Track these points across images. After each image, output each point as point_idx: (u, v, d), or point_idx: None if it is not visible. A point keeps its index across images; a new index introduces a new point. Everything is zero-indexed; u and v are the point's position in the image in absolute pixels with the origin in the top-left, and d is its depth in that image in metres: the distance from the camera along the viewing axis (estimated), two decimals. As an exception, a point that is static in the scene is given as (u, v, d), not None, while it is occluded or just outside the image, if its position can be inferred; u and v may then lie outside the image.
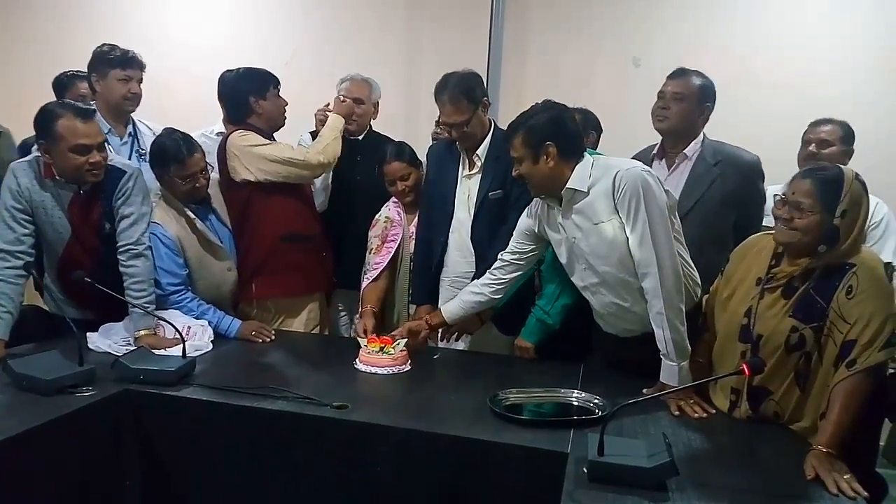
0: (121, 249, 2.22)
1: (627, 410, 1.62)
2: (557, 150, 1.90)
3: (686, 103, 2.37)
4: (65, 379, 1.79)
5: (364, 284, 2.58)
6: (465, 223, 2.42)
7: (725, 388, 1.81)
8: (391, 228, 2.61)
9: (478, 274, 2.35)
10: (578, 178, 1.92)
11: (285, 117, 2.62)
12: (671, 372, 1.83)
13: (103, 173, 2.17)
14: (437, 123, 3.08)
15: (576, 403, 1.85)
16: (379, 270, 2.56)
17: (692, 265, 2.02)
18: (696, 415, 1.78)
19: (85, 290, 2.12)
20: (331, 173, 2.75)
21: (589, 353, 2.25)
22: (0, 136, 2.81)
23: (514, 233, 2.17)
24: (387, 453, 1.68)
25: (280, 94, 2.58)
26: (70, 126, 2.08)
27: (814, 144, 2.65)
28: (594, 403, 1.82)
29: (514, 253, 2.16)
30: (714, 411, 1.81)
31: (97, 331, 2.22)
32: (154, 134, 2.58)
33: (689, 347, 1.86)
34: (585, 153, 1.97)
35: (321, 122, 2.68)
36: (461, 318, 2.27)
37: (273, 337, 2.45)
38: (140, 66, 2.76)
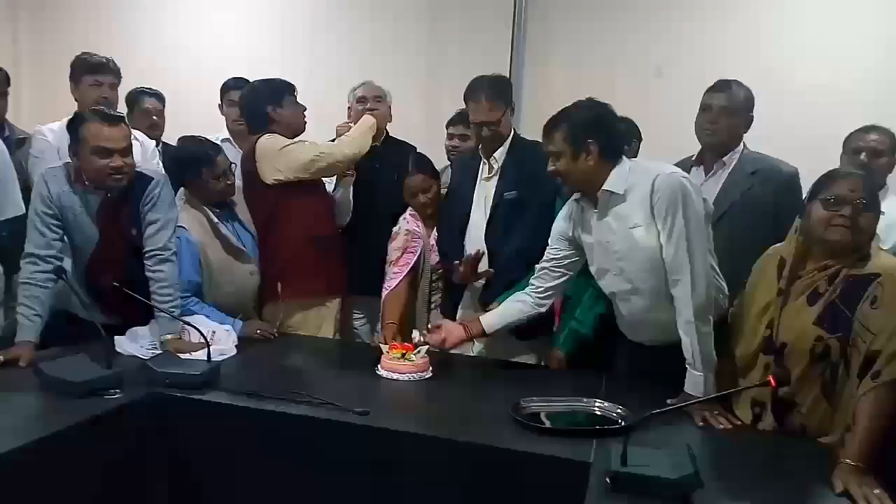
0: (147, 255, 2.25)
1: (651, 421, 1.61)
2: (599, 149, 1.88)
3: (736, 117, 2.37)
4: (93, 382, 1.82)
5: (384, 295, 2.60)
6: (480, 224, 2.43)
7: (749, 401, 1.79)
8: (412, 241, 2.62)
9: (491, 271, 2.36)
10: (616, 180, 1.90)
11: (305, 123, 2.65)
12: (696, 382, 1.82)
13: (128, 179, 2.21)
14: (451, 136, 3.11)
15: (599, 413, 1.84)
16: (397, 280, 2.58)
17: (720, 274, 2.00)
18: (721, 426, 1.76)
19: (112, 295, 2.16)
20: (351, 188, 2.77)
21: (612, 362, 2.24)
22: (24, 143, 2.87)
23: (550, 239, 2.14)
24: (408, 459, 1.68)
25: (297, 100, 2.61)
26: (95, 129, 2.13)
27: (864, 153, 2.54)
28: (617, 413, 1.80)
29: (549, 259, 2.13)
30: (739, 423, 1.79)
31: (124, 334, 2.25)
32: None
33: (716, 359, 1.84)
34: (624, 156, 1.95)
35: (342, 135, 2.71)
36: (502, 329, 2.22)
37: (276, 334, 2.49)
38: (113, 73, 2.86)
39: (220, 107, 3.26)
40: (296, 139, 2.58)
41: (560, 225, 2.11)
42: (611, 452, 1.47)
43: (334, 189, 2.72)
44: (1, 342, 2.17)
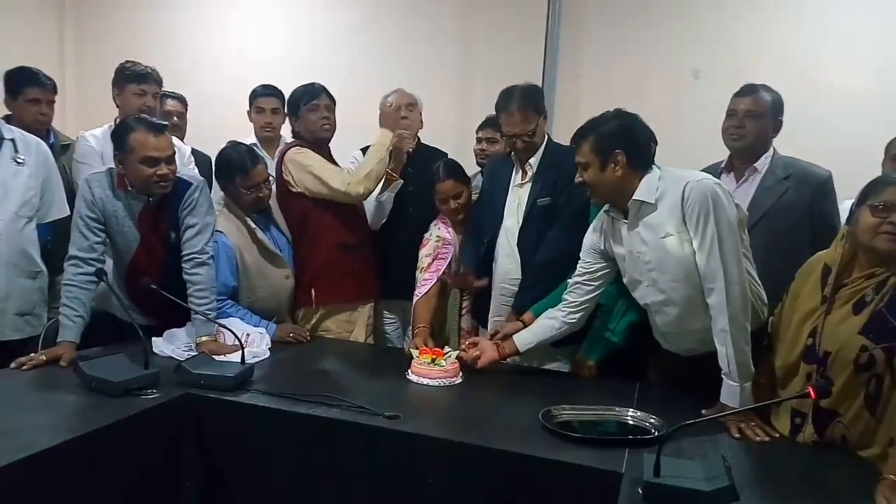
0: (185, 258, 2.30)
1: (685, 431, 1.57)
2: (627, 159, 1.87)
3: (762, 121, 2.33)
4: (131, 381, 1.86)
5: (415, 301, 2.60)
6: (513, 230, 2.42)
7: (789, 411, 1.74)
8: (443, 247, 2.63)
9: (523, 280, 2.35)
10: (646, 189, 1.88)
11: (325, 129, 2.66)
12: (732, 393, 1.77)
13: (171, 185, 2.26)
14: (479, 140, 3.11)
15: (631, 422, 1.81)
16: (428, 287, 2.58)
17: (759, 282, 1.96)
18: (758, 438, 1.72)
19: (150, 297, 2.20)
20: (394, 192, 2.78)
21: (646, 370, 2.21)
22: (69, 150, 2.97)
23: (582, 252, 2.12)
24: (437, 465, 1.68)
25: (315, 107, 2.63)
26: (142, 139, 2.18)
27: None
28: (650, 423, 1.77)
29: (581, 273, 2.11)
30: (777, 435, 1.74)
31: (161, 336, 2.30)
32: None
33: (753, 368, 1.80)
34: (654, 165, 1.93)
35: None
36: (535, 346, 2.19)
37: (308, 338, 2.52)
38: (156, 83, 2.94)
39: (249, 113, 3.31)
40: (318, 161, 2.58)
41: (590, 238, 2.09)
42: (643, 462, 1.45)
43: (381, 190, 2.73)
44: (43, 342, 2.24)
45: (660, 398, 1.95)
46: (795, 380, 1.73)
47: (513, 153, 2.46)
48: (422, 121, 2.94)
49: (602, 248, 2.06)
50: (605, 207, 2.02)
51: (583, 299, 2.11)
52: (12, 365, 2.04)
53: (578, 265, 2.12)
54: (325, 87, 2.69)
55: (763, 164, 2.35)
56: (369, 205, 2.77)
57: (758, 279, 1.95)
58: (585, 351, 2.27)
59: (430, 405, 1.98)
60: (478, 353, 2.20)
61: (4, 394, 1.84)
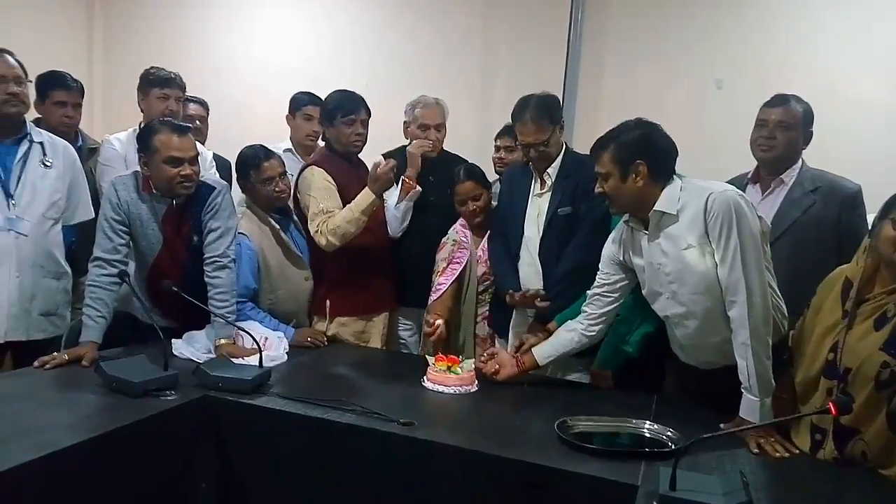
0: (207, 261, 2.33)
1: (703, 445, 1.56)
2: (648, 170, 1.85)
3: (793, 132, 2.31)
4: (150, 382, 1.88)
5: (430, 302, 2.62)
6: (534, 240, 2.42)
7: (809, 427, 1.71)
8: (458, 251, 2.63)
9: (546, 290, 2.34)
10: (667, 200, 1.86)
11: (357, 144, 2.66)
12: (752, 407, 1.75)
13: (195, 186, 2.29)
14: (497, 149, 3.10)
15: (648, 435, 1.79)
16: (442, 291, 2.59)
17: (780, 295, 1.93)
18: (778, 454, 1.69)
19: (171, 299, 2.23)
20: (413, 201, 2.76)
21: (661, 383, 2.18)
22: (96, 153, 3.02)
23: (601, 263, 2.10)
24: (451, 473, 1.68)
25: (352, 122, 2.60)
26: (166, 140, 2.22)
27: None
28: (667, 436, 1.76)
29: (601, 285, 2.09)
30: (797, 451, 1.71)
31: (181, 338, 2.33)
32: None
33: (774, 382, 1.77)
34: (675, 175, 1.91)
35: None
36: (555, 359, 2.18)
37: (325, 343, 2.53)
38: (180, 88, 2.99)
39: (289, 118, 3.30)
40: (318, 192, 2.55)
41: (609, 249, 2.08)
42: (659, 476, 1.43)
43: (398, 201, 2.74)
44: (66, 342, 2.28)
45: (677, 411, 1.93)
46: (816, 395, 1.70)
47: (531, 163, 2.46)
48: (445, 127, 2.93)
49: (621, 259, 2.05)
50: (625, 218, 2.01)
51: (602, 311, 2.09)
52: (35, 364, 2.08)
53: (597, 276, 2.11)
54: (363, 100, 2.66)
55: (790, 176, 2.32)
56: (389, 214, 2.77)
57: (778, 292, 1.93)
58: (600, 361, 2.26)
59: (445, 413, 1.98)
60: (497, 366, 2.19)
61: (27, 392, 1.88)
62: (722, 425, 1.76)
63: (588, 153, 2.43)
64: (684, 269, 1.85)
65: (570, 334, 2.13)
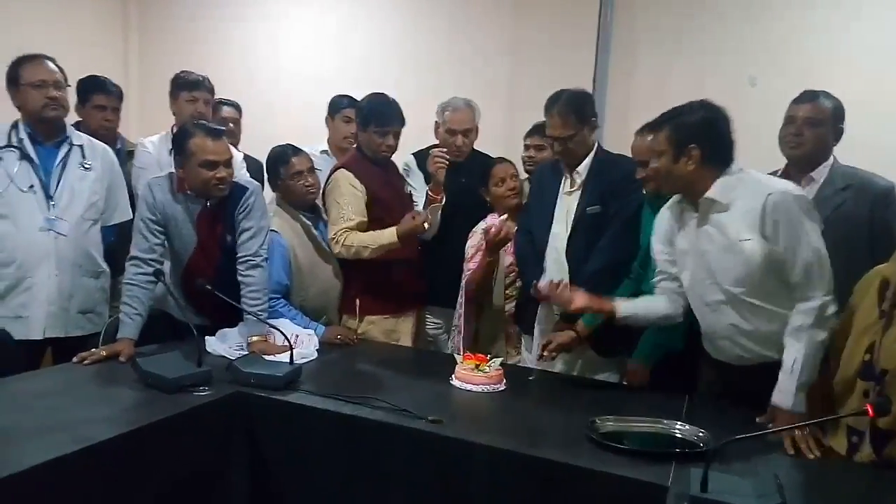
0: (240, 260, 2.37)
1: (735, 447, 1.52)
2: (701, 155, 1.81)
3: (822, 128, 2.26)
4: (185, 378, 1.92)
5: (462, 285, 2.66)
6: (562, 238, 2.40)
7: (846, 429, 1.67)
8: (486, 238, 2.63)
9: (572, 286, 2.32)
10: (721, 189, 1.82)
11: (385, 154, 2.67)
12: (787, 391, 1.71)
13: (229, 188, 2.34)
14: (527, 147, 3.10)
15: (678, 436, 1.77)
16: (472, 274, 2.62)
17: None
18: (812, 456, 1.65)
19: (204, 297, 2.28)
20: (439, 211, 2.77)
21: (694, 383, 2.15)
22: (133, 154, 3.10)
23: (655, 242, 2.05)
24: (479, 471, 1.68)
25: (385, 133, 2.61)
26: (201, 143, 2.27)
27: None
28: (698, 437, 1.73)
29: (663, 262, 2.03)
30: (831, 450, 1.67)
31: (214, 335, 2.37)
32: None
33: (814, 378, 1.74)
34: (734, 164, 1.87)
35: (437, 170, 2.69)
36: (632, 318, 2.06)
37: (355, 340, 2.55)
38: (207, 90, 3.04)
39: (327, 120, 3.31)
40: (342, 199, 2.58)
41: (664, 226, 2.02)
42: (690, 477, 1.41)
43: (424, 205, 2.75)
44: (104, 338, 2.34)
45: (709, 412, 1.90)
46: (852, 397, 1.66)
47: (559, 160, 2.44)
48: (477, 129, 2.93)
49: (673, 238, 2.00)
50: (678, 198, 1.97)
51: (674, 286, 2.02)
52: (74, 360, 2.14)
53: (657, 258, 2.05)
54: (399, 110, 2.65)
55: (821, 173, 2.27)
56: None
57: None
58: (641, 354, 2.19)
59: (473, 411, 1.98)
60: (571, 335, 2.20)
61: (67, 387, 1.93)
62: (758, 419, 1.73)
63: (619, 153, 2.43)
64: (733, 260, 1.82)
65: (657, 304, 2.05)
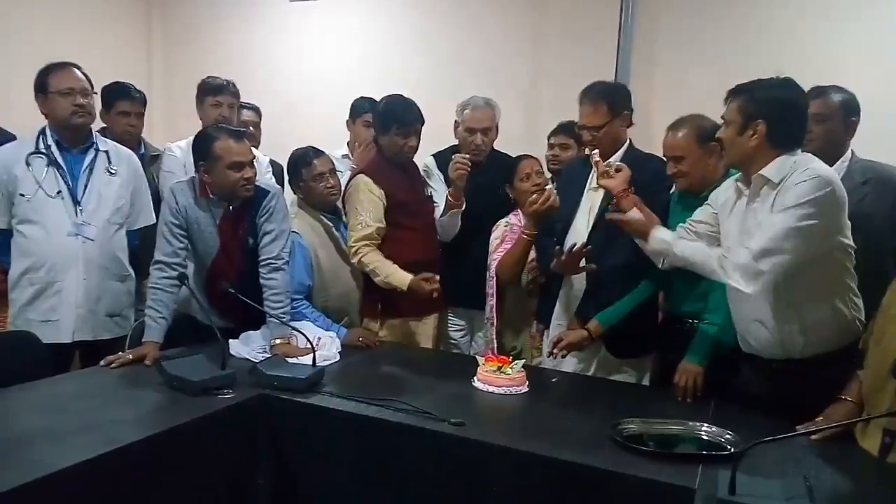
0: (262, 263, 2.39)
1: (764, 449, 1.49)
2: (766, 132, 1.79)
3: (830, 123, 2.22)
4: (209, 381, 1.94)
5: (492, 268, 2.63)
6: (582, 233, 2.37)
7: (878, 430, 1.63)
8: (510, 232, 2.63)
9: (588, 286, 2.32)
10: (776, 168, 1.79)
11: (407, 155, 2.67)
12: (660, 235, 1.98)
13: (254, 188, 2.36)
14: (551, 146, 3.08)
15: (705, 437, 1.75)
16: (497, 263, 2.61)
17: (858, 296, 1.86)
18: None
19: (228, 300, 2.30)
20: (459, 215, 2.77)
21: (725, 386, 2.10)
22: (158, 160, 3.14)
23: (701, 210, 2.05)
24: (502, 473, 1.67)
25: (406, 134, 2.60)
26: (226, 146, 2.29)
27: None
28: (726, 438, 1.70)
29: (696, 222, 2.02)
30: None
31: (238, 338, 2.39)
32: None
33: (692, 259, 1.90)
34: (800, 150, 1.83)
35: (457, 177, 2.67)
36: (661, 249, 2.03)
37: (377, 343, 2.56)
38: (232, 94, 3.07)
39: (349, 123, 3.33)
40: (360, 207, 2.57)
41: (718, 202, 1.99)
42: (717, 480, 1.39)
43: (442, 214, 2.74)
44: (130, 341, 2.37)
45: (737, 413, 1.87)
46: (885, 397, 1.62)
47: (588, 155, 2.42)
48: (497, 128, 2.91)
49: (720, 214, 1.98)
50: (737, 176, 1.95)
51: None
52: (102, 363, 2.17)
53: (693, 220, 2.03)
54: (418, 110, 2.64)
55: (840, 168, 2.23)
56: (438, 221, 2.78)
57: (857, 292, 1.86)
58: (692, 355, 2.09)
59: (496, 413, 1.98)
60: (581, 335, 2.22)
61: (95, 390, 1.97)
62: (798, 427, 1.67)
63: (649, 152, 2.40)
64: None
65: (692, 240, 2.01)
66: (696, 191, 2.18)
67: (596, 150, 2.23)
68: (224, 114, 3.03)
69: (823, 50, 3.22)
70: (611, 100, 2.30)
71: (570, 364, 2.40)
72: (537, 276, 2.62)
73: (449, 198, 2.70)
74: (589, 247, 2.26)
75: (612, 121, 2.30)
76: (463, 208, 2.73)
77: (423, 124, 2.66)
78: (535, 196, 2.44)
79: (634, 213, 2.07)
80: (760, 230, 1.76)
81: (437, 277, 2.49)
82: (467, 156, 2.67)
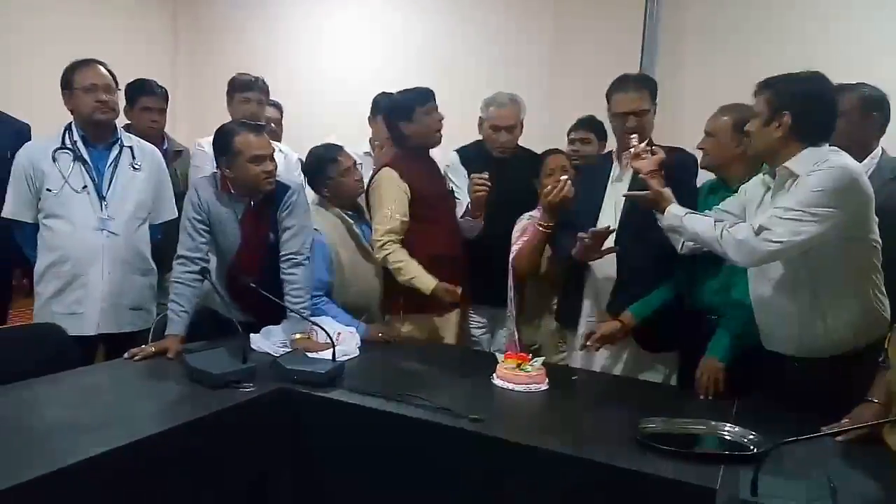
0: (283, 258, 2.40)
1: (787, 450, 1.47)
2: (791, 124, 1.79)
3: (845, 119, 2.17)
4: (230, 375, 1.96)
5: (511, 262, 2.63)
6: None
7: (906, 432, 1.61)
8: (532, 225, 2.60)
9: (620, 280, 2.29)
10: (802, 160, 1.78)
11: (439, 133, 2.67)
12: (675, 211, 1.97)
13: (275, 182, 2.37)
14: (572, 141, 3.05)
15: (728, 437, 1.72)
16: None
17: (884, 293, 1.83)
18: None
19: (249, 294, 2.31)
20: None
21: (747, 385, 2.07)
22: (180, 155, 3.17)
23: (731, 199, 2.07)
24: (521, 471, 1.66)
25: (432, 110, 2.63)
26: (246, 140, 2.31)
27: None
28: (749, 439, 1.68)
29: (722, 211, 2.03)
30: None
31: (259, 332, 2.40)
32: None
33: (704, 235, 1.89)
34: (826, 145, 1.82)
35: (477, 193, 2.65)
36: (676, 221, 2.03)
37: (397, 339, 2.56)
38: (260, 91, 3.10)
39: (370, 120, 3.33)
40: (385, 197, 2.59)
41: (747, 193, 2.00)
42: (739, 480, 1.38)
43: (463, 214, 2.74)
44: (153, 335, 2.40)
45: (760, 414, 1.84)
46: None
47: (614, 150, 2.40)
48: (522, 124, 2.88)
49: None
50: (765, 169, 1.95)
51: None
52: (125, 355, 2.20)
53: (718, 210, 2.04)
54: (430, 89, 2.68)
55: (868, 165, 2.19)
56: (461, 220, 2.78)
57: (883, 288, 1.83)
58: (714, 351, 2.08)
59: (515, 410, 1.97)
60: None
61: (118, 382, 2.00)
62: (823, 428, 1.64)
63: (671, 146, 2.38)
64: None
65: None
66: (721, 176, 2.22)
67: (635, 136, 2.22)
68: (252, 110, 3.06)
69: (856, 43, 3.15)
70: (651, 89, 2.33)
71: (599, 359, 2.37)
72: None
73: (469, 212, 2.70)
74: (613, 229, 2.25)
75: (651, 110, 2.31)
76: (482, 225, 2.73)
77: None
78: (549, 188, 2.43)
79: (656, 185, 2.07)
80: (770, 209, 1.76)
81: (460, 290, 2.51)
82: (486, 175, 2.62)
